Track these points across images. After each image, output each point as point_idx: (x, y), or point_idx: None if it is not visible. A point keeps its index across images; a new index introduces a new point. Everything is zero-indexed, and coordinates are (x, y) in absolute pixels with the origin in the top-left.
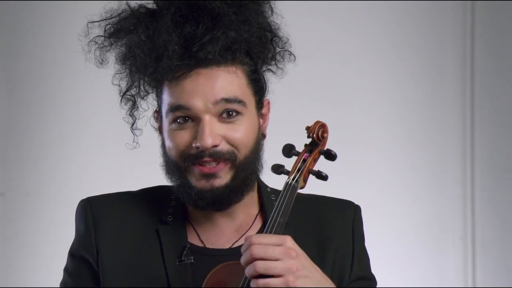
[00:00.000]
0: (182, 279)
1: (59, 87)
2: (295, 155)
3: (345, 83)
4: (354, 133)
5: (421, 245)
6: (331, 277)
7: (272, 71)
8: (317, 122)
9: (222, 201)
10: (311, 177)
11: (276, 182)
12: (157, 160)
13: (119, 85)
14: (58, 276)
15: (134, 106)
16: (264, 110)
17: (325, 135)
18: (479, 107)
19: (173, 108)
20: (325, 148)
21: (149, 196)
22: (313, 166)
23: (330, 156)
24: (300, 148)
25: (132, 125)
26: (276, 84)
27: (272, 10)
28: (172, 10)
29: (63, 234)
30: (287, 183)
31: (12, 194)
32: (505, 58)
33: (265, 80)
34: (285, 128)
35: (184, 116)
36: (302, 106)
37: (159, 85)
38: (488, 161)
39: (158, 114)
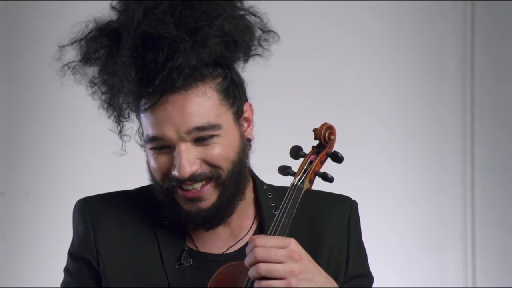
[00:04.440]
0: (182, 282)
1: (59, 87)
2: (302, 156)
3: (345, 83)
4: (354, 133)
5: (421, 245)
6: (326, 273)
7: (258, 55)
8: (324, 124)
9: (211, 220)
10: (317, 179)
11: (283, 183)
12: None
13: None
14: (58, 276)
15: (120, 113)
16: (246, 115)
17: (332, 137)
18: (479, 107)
19: (149, 139)
20: (332, 150)
21: (147, 195)
22: (320, 168)
23: (337, 158)
24: (308, 150)
25: (120, 131)
26: (278, 84)
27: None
28: (129, 42)
29: (63, 234)
30: (292, 184)
31: (12, 194)
32: (505, 58)
33: (241, 85)
34: (286, 128)
35: (161, 145)
36: (301, 106)
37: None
38: (488, 161)
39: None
